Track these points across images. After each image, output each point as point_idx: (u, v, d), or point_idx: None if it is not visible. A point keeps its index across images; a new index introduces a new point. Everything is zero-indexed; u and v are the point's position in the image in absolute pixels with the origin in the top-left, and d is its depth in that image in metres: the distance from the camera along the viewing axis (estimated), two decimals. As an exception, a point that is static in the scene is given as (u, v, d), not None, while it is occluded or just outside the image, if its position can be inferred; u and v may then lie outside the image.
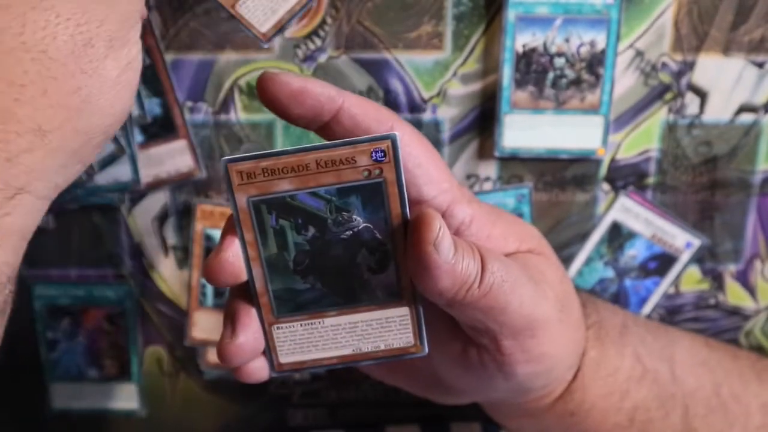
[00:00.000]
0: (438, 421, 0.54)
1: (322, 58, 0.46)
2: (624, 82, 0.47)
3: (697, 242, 0.50)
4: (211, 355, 0.52)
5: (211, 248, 0.49)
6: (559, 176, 0.49)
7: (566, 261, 0.50)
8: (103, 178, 0.47)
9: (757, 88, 0.47)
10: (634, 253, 0.50)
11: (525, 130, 0.47)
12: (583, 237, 0.50)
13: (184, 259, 0.50)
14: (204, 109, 0.47)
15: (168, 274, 0.50)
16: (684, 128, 0.48)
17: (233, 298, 0.34)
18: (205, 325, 0.50)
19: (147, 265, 0.50)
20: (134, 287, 0.50)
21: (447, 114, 0.47)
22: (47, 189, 0.32)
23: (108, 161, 0.46)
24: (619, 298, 0.51)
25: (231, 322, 0.34)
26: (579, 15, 0.45)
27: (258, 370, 0.35)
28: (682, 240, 0.50)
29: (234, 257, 0.32)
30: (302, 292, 0.33)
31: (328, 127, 0.33)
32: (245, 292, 0.34)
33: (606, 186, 0.49)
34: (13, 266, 0.32)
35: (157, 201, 0.49)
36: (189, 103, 0.46)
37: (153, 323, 0.51)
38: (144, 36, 0.44)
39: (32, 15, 0.30)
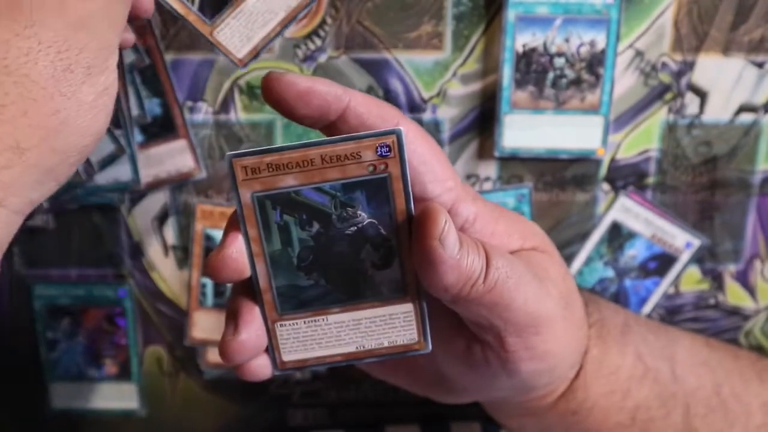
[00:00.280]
0: (438, 421, 0.54)
1: (322, 58, 0.46)
2: (624, 82, 0.47)
3: (697, 242, 0.50)
4: (211, 355, 0.51)
5: (211, 248, 0.49)
6: (559, 176, 0.49)
7: (566, 261, 0.50)
8: (103, 178, 0.47)
9: (757, 88, 0.47)
10: (634, 253, 0.50)
11: (525, 130, 0.47)
12: (583, 237, 0.50)
13: (184, 259, 0.50)
14: (204, 109, 0.47)
15: (168, 274, 0.50)
16: (684, 128, 0.48)
17: (236, 295, 0.34)
18: (205, 325, 0.50)
19: (147, 265, 0.50)
20: (134, 287, 0.50)
21: (447, 114, 0.47)
22: (22, 204, 0.33)
23: (108, 161, 0.46)
24: (619, 298, 0.51)
25: (233, 319, 0.33)
26: (579, 15, 0.45)
27: (260, 368, 0.34)
28: (682, 240, 0.50)
29: (237, 253, 0.32)
30: (306, 288, 0.33)
31: (333, 126, 0.33)
32: (248, 289, 0.33)
33: (606, 186, 0.49)
34: None
35: (157, 201, 0.49)
36: (189, 103, 0.46)
37: (153, 323, 0.51)
38: (144, 36, 0.44)
39: (16, 42, 0.31)
